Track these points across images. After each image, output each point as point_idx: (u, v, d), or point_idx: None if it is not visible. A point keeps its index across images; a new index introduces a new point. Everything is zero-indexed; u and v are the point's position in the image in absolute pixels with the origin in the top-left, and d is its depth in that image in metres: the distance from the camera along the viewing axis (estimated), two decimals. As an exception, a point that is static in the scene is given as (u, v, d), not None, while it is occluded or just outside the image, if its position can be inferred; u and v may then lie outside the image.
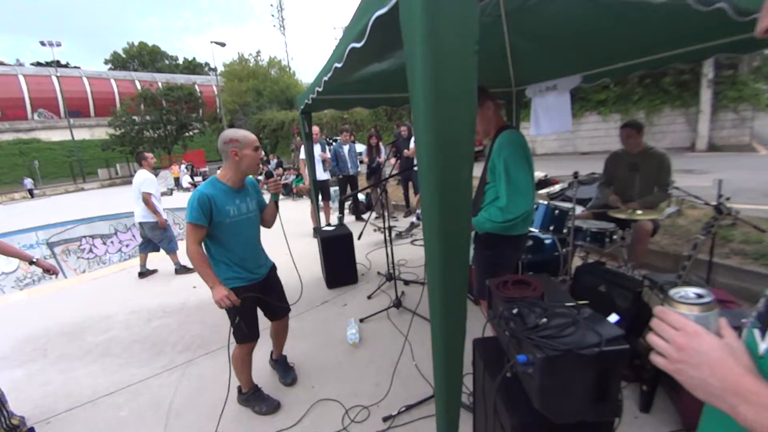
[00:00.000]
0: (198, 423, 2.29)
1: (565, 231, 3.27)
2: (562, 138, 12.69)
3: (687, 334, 0.56)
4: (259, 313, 2.33)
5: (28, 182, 22.96)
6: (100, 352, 3.29)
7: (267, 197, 2.33)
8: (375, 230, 6.03)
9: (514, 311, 1.37)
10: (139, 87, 31.10)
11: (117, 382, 2.82)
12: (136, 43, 46.79)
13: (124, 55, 46.12)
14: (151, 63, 45.82)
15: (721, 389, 0.52)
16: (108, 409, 2.53)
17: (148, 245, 5.17)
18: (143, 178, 4.82)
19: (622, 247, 3.40)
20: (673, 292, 0.62)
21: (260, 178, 4.64)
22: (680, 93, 10.44)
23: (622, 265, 3.33)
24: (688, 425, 1.96)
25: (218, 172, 2.15)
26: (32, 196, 22.04)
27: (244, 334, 2.20)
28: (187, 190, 17.39)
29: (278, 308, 2.39)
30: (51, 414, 2.52)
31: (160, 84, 30.18)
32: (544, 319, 1.28)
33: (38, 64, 38.15)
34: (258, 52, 31.24)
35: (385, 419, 2.13)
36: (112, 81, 34.69)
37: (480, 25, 0.95)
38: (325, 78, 2.25)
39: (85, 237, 11.14)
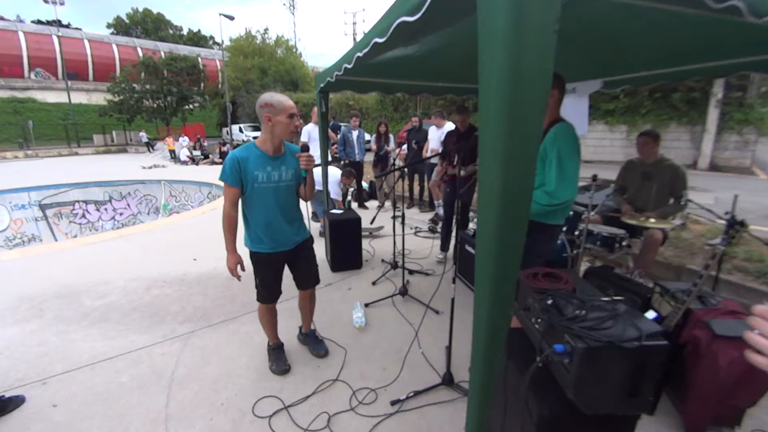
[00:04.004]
0: (202, 394, 2.26)
1: (576, 233, 3.28)
2: (567, 144, 12.72)
3: None
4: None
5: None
6: (98, 316, 3.23)
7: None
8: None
9: (549, 302, 1.36)
10: (141, 54, 30.32)
11: (116, 347, 2.77)
12: (140, 9, 45.58)
13: (127, 21, 44.87)
14: (154, 31, 44.64)
15: None
16: (107, 374, 2.49)
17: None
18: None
19: (627, 255, 3.43)
20: None
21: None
22: (688, 110, 10.50)
23: (629, 272, 3.36)
24: (690, 430, 1.99)
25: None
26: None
27: (261, 295, 2.35)
28: (185, 163, 17.10)
29: (303, 279, 2.48)
30: (47, 375, 2.47)
31: (162, 53, 29.46)
32: (582, 311, 1.27)
33: (39, 22, 36.94)
34: (266, 30, 30.61)
35: (393, 403, 2.12)
36: (114, 46, 33.72)
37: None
38: (359, 54, 2.19)
39: (78, 201, 10.92)
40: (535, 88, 0.90)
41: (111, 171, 13.84)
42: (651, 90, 10.41)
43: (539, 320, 1.34)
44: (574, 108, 4.08)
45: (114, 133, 27.28)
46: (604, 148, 11.68)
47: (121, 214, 11.38)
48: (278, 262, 2.29)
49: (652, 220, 3.09)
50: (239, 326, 3.01)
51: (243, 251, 2.25)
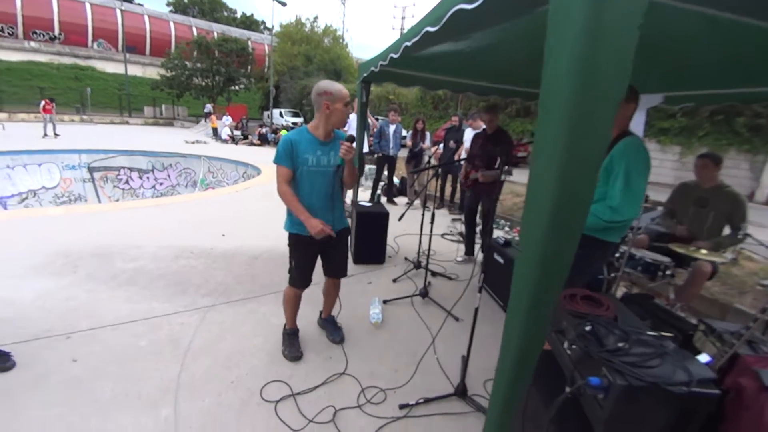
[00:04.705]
0: (214, 368, 2.28)
1: (617, 255, 3.07)
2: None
3: None
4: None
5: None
6: (126, 279, 3.34)
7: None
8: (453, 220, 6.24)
9: (587, 328, 1.24)
10: (195, 33, 31.51)
11: (139, 311, 2.84)
12: (199, -10, 47.29)
13: (185, 0, 46.77)
14: (210, 12, 46.21)
15: None
16: (128, 336, 2.55)
17: None
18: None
19: (669, 285, 3.18)
20: None
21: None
22: (751, 137, 9.68)
23: (669, 304, 3.12)
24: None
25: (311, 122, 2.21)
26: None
27: (294, 278, 2.36)
28: (225, 141, 17.64)
29: (334, 268, 2.50)
30: (72, 330, 2.55)
31: (215, 34, 30.45)
32: (625, 344, 1.14)
33: (105, -6, 39.18)
34: (315, 18, 30.96)
35: (401, 407, 2.05)
36: (171, 23, 35.22)
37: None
38: (408, 43, 2.11)
39: (124, 168, 11.50)
40: (609, 85, 0.79)
41: (156, 142, 14.47)
42: (713, 111, 9.69)
43: (573, 346, 1.23)
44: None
45: (163, 106, 28.50)
46: (654, 169, 10.82)
47: (161, 183, 11.88)
48: (315, 247, 2.27)
49: (704, 251, 2.84)
50: (258, 306, 3.03)
51: (283, 236, 2.26)
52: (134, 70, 30.45)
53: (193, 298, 3.08)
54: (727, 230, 3.10)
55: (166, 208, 5.81)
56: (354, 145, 2.12)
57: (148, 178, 11.81)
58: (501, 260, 3.43)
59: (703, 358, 1.14)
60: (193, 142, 15.91)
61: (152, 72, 29.78)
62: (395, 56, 2.44)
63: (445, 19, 1.54)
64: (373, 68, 3.19)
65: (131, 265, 3.62)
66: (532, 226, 0.91)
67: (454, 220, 6.26)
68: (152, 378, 2.17)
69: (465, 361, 2.24)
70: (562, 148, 0.81)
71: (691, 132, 10.37)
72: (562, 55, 0.80)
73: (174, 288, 3.24)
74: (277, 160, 2.10)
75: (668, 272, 3.05)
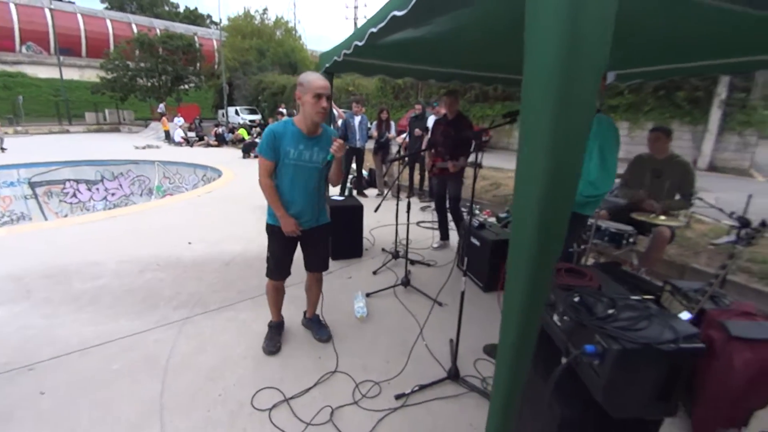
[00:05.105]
0: (198, 383, 2.17)
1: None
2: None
3: None
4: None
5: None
6: (89, 299, 3.10)
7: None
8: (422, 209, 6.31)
9: (576, 299, 1.28)
10: (135, 31, 29.50)
11: (107, 332, 2.65)
12: (135, -16, 44.19)
13: (122, -5, 43.62)
14: (149, 7, 43.39)
15: None
16: (98, 360, 2.37)
17: None
18: None
19: (632, 252, 3.37)
20: None
21: None
22: (691, 109, 10.42)
23: (634, 270, 3.31)
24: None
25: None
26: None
27: (270, 269, 2.37)
28: (179, 144, 16.76)
29: (316, 262, 2.49)
30: (34, 360, 2.35)
31: (158, 30, 28.68)
32: (613, 311, 1.19)
33: (29, -7, 35.72)
34: (265, 10, 29.97)
35: (398, 397, 2.05)
36: (108, 21, 32.78)
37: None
38: (373, 29, 2.05)
39: (69, 180, 10.65)
40: (593, 54, 0.80)
41: (103, 150, 13.53)
42: (656, 87, 10.32)
43: (565, 318, 1.26)
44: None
45: (107, 111, 26.60)
46: (605, 144, 11.62)
47: (113, 194, 11.14)
48: (291, 239, 2.26)
49: (662, 217, 3.03)
50: (236, 313, 2.91)
51: (253, 238, 2.15)
52: (70, 74, 28.12)
53: (165, 312, 2.91)
54: (677, 196, 3.32)
55: (122, 219, 5.45)
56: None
57: (97, 189, 11.02)
58: (477, 242, 3.50)
59: (685, 315, 1.21)
60: (143, 147, 14.99)
61: (91, 74, 27.66)
62: (360, 44, 2.38)
63: (413, 2, 1.51)
64: (336, 58, 3.11)
65: (91, 284, 3.37)
66: (524, 204, 0.92)
67: (423, 207, 6.32)
68: (131, 401, 2.04)
69: (453, 344, 2.27)
70: (549, 120, 0.82)
71: (638, 108, 11.02)
72: (546, 26, 0.80)
73: (143, 304, 3.05)
74: (260, 150, 2.11)
75: (631, 240, 3.23)
